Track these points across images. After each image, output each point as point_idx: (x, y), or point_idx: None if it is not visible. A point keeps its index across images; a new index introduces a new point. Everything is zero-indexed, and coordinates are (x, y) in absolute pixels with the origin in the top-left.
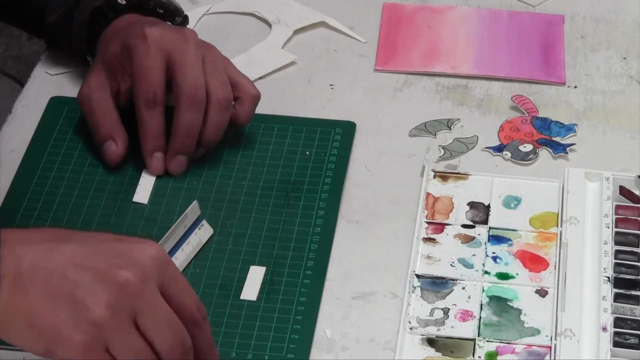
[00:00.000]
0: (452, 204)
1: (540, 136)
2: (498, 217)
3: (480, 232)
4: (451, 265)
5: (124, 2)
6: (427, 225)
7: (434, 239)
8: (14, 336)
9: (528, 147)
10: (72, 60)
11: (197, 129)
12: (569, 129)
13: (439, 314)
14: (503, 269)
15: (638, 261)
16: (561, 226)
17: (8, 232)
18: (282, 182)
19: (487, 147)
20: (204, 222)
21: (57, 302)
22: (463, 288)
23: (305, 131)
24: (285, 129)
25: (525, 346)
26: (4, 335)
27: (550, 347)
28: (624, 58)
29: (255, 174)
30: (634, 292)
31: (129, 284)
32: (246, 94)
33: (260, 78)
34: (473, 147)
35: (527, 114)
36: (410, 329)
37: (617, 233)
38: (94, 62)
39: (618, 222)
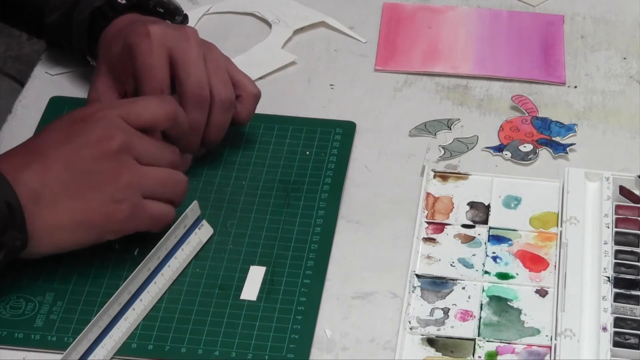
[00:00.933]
0: (452, 204)
1: (540, 136)
2: (498, 217)
3: (480, 232)
4: (451, 265)
5: (123, 2)
6: (427, 225)
7: (434, 239)
8: (66, 244)
9: (528, 147)
10: (72, 60)
11: (202, 128)
12: (569, 129)
13: (439, 314)
14: (503, 269)
15: (638, 261)
16: (561, 226)
17: None
18: (282, 182)
19: (487, 147)
20: (204, 222)
21: (84, 195)
22: (463, 288)
23: (305, 131)
24: (285, 129)
25: (525, 346)
26: (58, 248)
27: (550, 347)
28: (624, 58)
29: (255, 174)
30: (634, 292)
31: (124, 144)
32: (247, 92)
33: (260, 78)
34: (473, 147)
35: (527, 114)
36: (410, 328)
37: (617, 233)
38: (98, 65)
39: (618, 222)
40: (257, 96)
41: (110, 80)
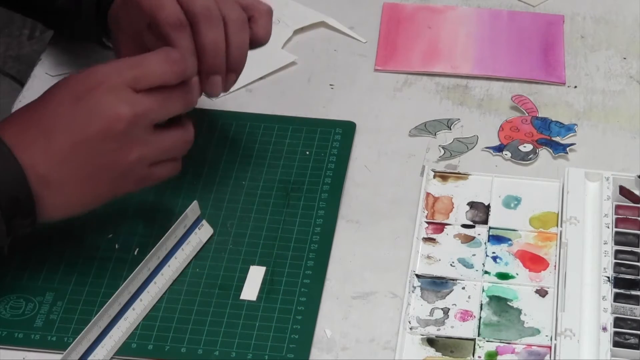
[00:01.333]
0: (452, 204)
1: (540, 136)
2: (498, 217)
3: (480, 232)
4: (451, 265)
5: None
6: (427, 225)
7: (434, 239)
8: (74, 214)
9: (528, 147)
10: (72, 60)
11: (222, 46)
12: (569, 128)
13: (439, 314)
14: (503, 269)
15: (638, 261)
16: (561, 226)
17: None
18: (282, 182)
19: (487, 147)
20: (204, 222)
21: (92, 177)
22: (463, 288)
23: (305, 131)
24: (285, 129)
25: (525, 346)
26: (67, 218)
27: (550, 347)
28: (624, 58)
29: (255, 174)
30: (633, 292)
31: (132, 120)
32: (259, 10)
33: (261, 78)
34: (473, 147)
35: (527, 114)
36: (410, 328)
37: (617, 233)
38: (116, 39)
39: (618, 222)
40: (269, 12)
41: (135, 47)
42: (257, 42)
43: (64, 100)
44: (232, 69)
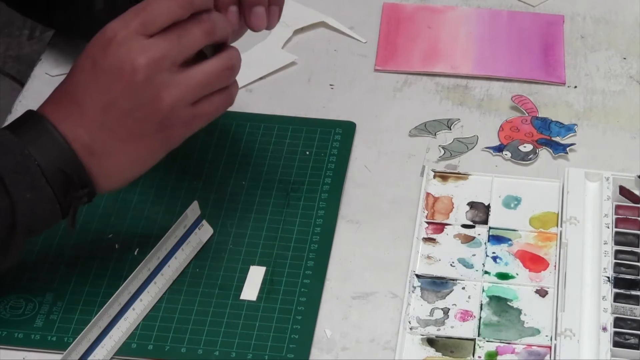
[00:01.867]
0: (452, 204)
1: (540, 136)
2: (498, 217)
3: (480, 232)
4: (451, 265)
5: None
6: (427, 225)
7: (434, 239)
8: (135, 174)
9: (528, 147)
10: (72, 61)
11: None
12: (569, 129)
13: (439, 314)
14: (503, 269)
15: (638, 261)
16: (561, 226)
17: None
18: (282, 182)
19: (487, 147)
20: (204, 222)
21: (132, 133)
22: (463, 288)
23: (305, 131)
24: (285, 129)
25: (525, 346)
26: (129, 180)
27: (550, 347)
28: (624, 58)
29: (255, 174)
30: (633, 292)
31: (150, 67)
32: None
33: (261, 78)
34: (473, 147)
35: (527, 114)
36: (410, 329)
37: (617, 233)
38: None
39: (618, 222)
40: None
41: None
42: None
43: (84, 67)
44: (274, 2)
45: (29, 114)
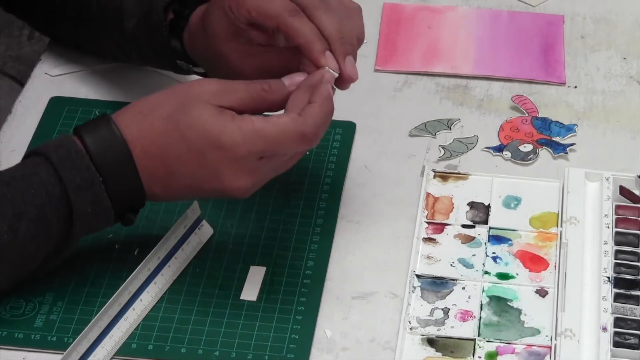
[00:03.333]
0: (452, 204)
1: (540, 136)
2: (498, 217)
3: (480, 232)
4: (451, 265)
5: None
6: (427, 225)
7: (434, 239)
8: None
9: (528, 147)
10: (72, 61)
11: (343, 24)
12: (569, 129)
13: (439, 314)
14: (503, 269)
15: (638, 261)
16: (561, 226)
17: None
18: (282, 182)
19: (487, 147)
20: (204, 222)
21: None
22: (463, 288)
23: None
24: None
25: (525, 346)
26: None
27: (550, 347)
28: (624, 58)
29: None
30: (634, 292)
31: (252, 187)
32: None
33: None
34: (473, 147)
35: (527, 114)
36: (411, 329)
37: (617, 233)
38: (206, 48)
39: (618, 222)
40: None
41: (234, 43)
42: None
43: (190, 149)
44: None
45: (109, 129)
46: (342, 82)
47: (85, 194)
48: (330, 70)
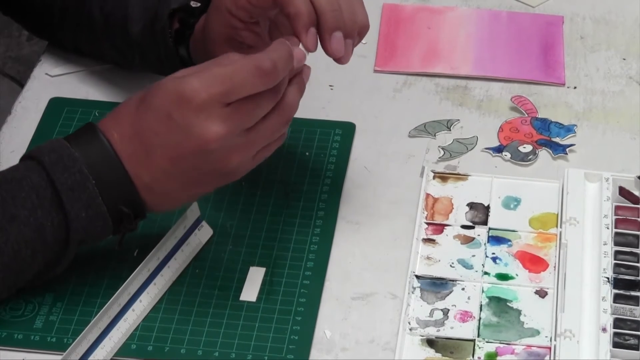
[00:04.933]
0: (452, 204)
1: (539, 137)
2: (498, 218)
3: (480, 232)
4: (451, 266)
5: (198, 4)
6: (426, 226)
7: (433, 240)
8: (186, 203)
9: (528, 148)
10: (72, 61)
11: (340, 3)
12: (569, 129)
13: (438, 315)
14: (503, 270)
15: (638, 262)
16: (561, 227)
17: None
18: (282, 182)
19: (486, 148)
20: (204, 222)
21: (194, 183)
22: (463, 289)
23: (305, 132)
24: None
25: (525, 347)
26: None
27: (549, 348)
28: (624, 59)
29: (255, 175)
30: (633, 293)
31: (225, 137)
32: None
33: None
34: (472, 148)
35: (526, 115)
36: (410, 329)
37: (616, 234)
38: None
39: (618, 223)
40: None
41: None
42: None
43: (158, 116)
44: (348, 35)
45: (92, 131)
46: (331, 57)
47: (79, 197)
48: (301, 47)
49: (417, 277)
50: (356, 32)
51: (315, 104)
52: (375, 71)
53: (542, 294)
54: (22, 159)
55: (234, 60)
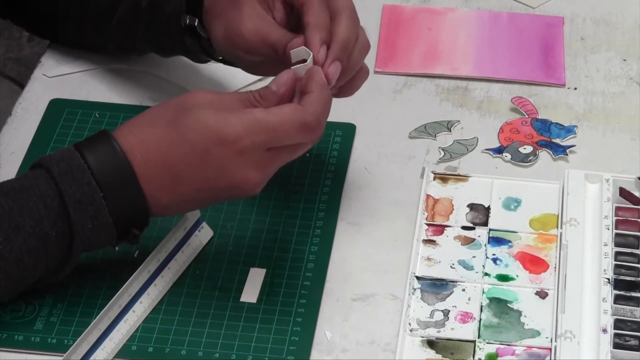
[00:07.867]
0: (452, 205)
1: (540, 138)
2: (498, 219)
3: (480, 233)
4: (451, 267)
5: None
6: (427, 227)
7: (434, 241)
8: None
9: (528, 149)
10: (72, 62)
11: (352, 45)
12: (569, 130)
13: (439, 316)
14: (503, 271)
15: (638, 263)
16: (561, 228)
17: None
18: (282, 184)
19: (487, 149)
20: (204, 224)
21: (210, 201)
22: (463, 290)
23: None
24: None
25: (526, 348)
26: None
27: (550, 349)
28: (624, 60)
29: None
30: (634, 294)
31: (261, 183)
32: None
33: (260, 79)
34: (473, 149)
35: (527, 116)
36: (411, 330)
37: (617, 235)
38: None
39: (618, 224)
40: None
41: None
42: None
43: (195, 150)
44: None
45: (108, 143)
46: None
47: (86, 209)
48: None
49: (418, 278)
50: (353, 73)
51: None
52: (376, 72)
53: (542, 295)
54: (32, 167)
55: (278, 112)
